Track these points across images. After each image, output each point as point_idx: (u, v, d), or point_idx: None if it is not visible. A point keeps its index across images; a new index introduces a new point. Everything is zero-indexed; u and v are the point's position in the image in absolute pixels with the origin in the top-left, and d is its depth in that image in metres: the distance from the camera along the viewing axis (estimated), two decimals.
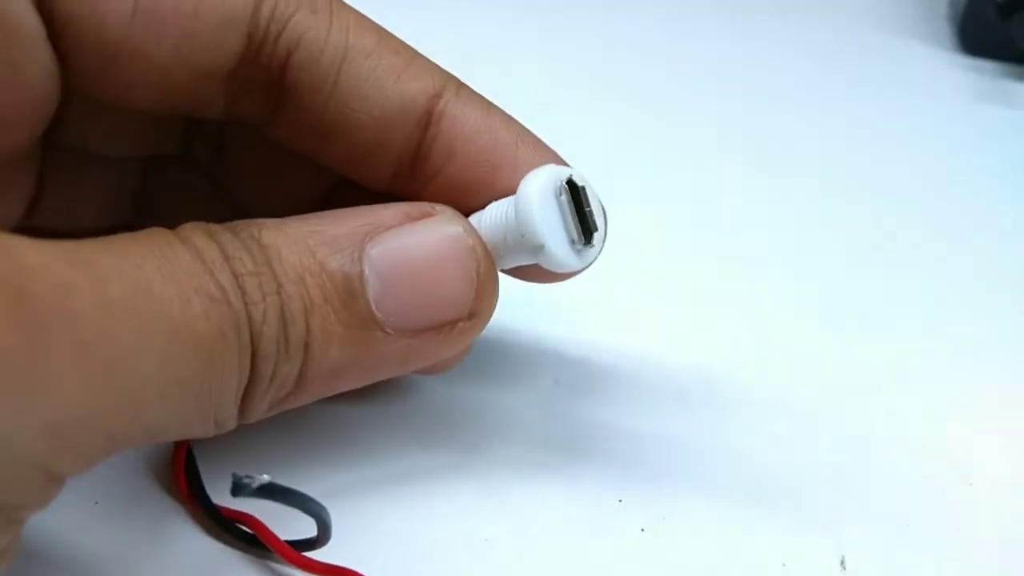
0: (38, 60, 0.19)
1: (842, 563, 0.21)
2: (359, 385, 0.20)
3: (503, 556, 0.21)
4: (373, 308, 0.19)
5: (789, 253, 0.32)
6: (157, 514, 0.22)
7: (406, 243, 0.19)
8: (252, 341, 0.17)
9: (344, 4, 0.21)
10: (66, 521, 0.22)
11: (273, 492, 0.19)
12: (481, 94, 0.22)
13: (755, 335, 0.28)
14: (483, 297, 0.20)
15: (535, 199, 0.19)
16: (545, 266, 0.20)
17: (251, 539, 0.21)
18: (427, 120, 0.21)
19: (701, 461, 0.24)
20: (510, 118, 0.22)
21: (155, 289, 0.16)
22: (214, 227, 0.18)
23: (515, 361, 0.27)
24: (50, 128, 0.21)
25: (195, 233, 0.18)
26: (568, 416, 0.25)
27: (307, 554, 0.20)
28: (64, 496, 0.22)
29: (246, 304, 0.17)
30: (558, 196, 0.20)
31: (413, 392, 0.26)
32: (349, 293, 0.19)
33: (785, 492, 0.23)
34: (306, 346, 0.18)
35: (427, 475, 0.23)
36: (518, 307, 0.29)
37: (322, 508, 0.19)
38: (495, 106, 0.22)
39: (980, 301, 0.30)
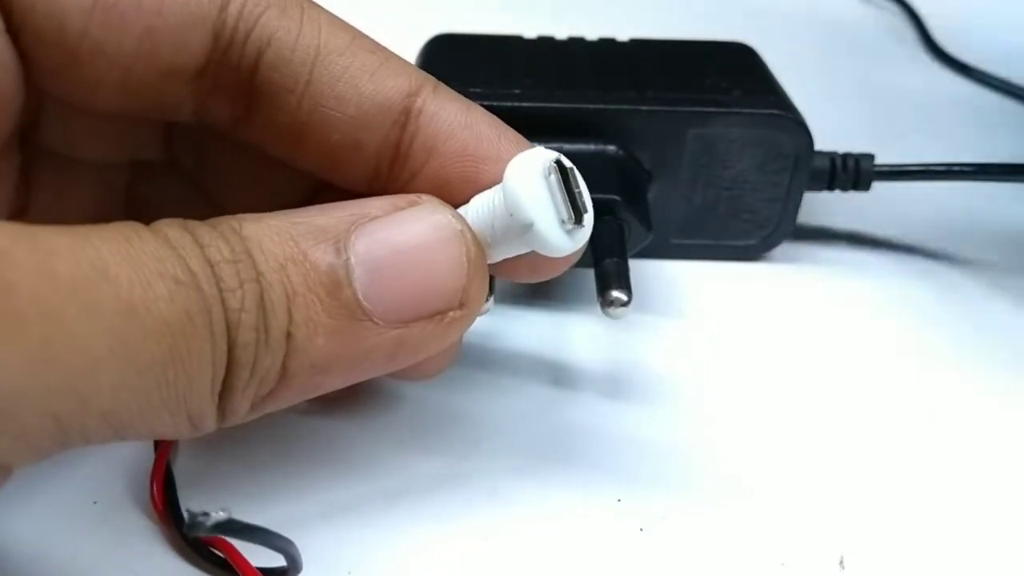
0: None
1: (841, 563, 0.21)
2: (345, 383, 0.20)
3: (502, 556, 0.21)
4: (360, 297, 0.18)
5: None
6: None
7: (393, 231, 0.19)
8: (228, 329, 0.17)
9: (315, 4, 0.20)
10: (66, 521, 0.21)
11: (232, 529, 0.18)
12: (453, 91, 0.21)
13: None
14: (473, 286, 0.20)
15: (523, 176, 0.19)
16: (537, 249, 0.19)
17: (224, 563, 0.20)
18: (405, 118, 0.20)
19: (701, 461, 0.24)
20: (490, 114, 0.21)
21: (111, 270, 0.15)
22: (191, 221, 0.18)
23: (514, 361, 0.27)
24: (29, 131, 0.21)
25: (168, 224, 0.17)
26: (567, 416, 0.25)
27: None
28: (64, 496, 0.22)
29: (221, 290, 0.17)
30: (547, 176, 0.19)
31: (412, 394, 0.26)
32: (334, 282, 0.18)
33: (785, 492, 0.23)
34: (288, 336, 0.18)
35: (427, 475, 0.23)
36: (515, 307, 0.29)
37: (287, 542, 0.19)
38: (473, 103, 0.21)
39: None
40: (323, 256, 0.18)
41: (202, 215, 0.18)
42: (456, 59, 0.31)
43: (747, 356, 0.28)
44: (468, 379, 0.26)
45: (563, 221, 0.19)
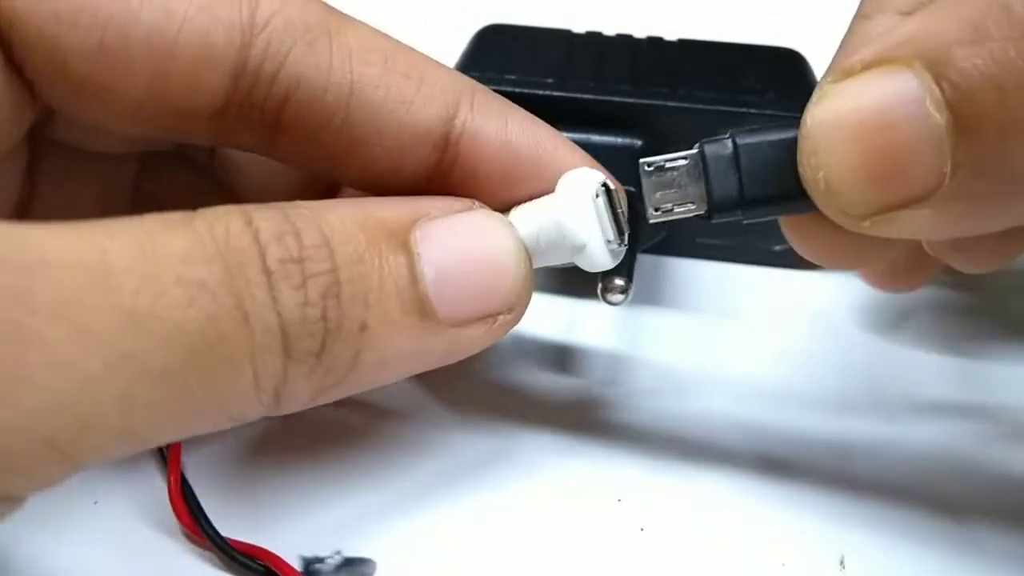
0: None
1: (842, 563, 0.21)
2: (396, 378, 0.20)
3: (503, 555, 0.21)
4: (430, 295, 0.18)
5: None
6: (158, 516, 0.22)
7: (456, 233, 0.19)
8: (282, 327, 0.16)
9: (343, 22, 0.20)
10: (66, 521, 0.22)
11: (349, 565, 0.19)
12: (496, 96, 0.21)
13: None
14: (524, 291, 0.20)
15: (577, 203, 0.20)
16: (581, 266, 0.21)
17: (263, 573, 0.21)
18: (444, 143, 0.20)
19: (701, 461, 0.24)
20: (528, 118, 0.21)
21: (114, 278, 0.15)
22: (260, 211, 0.17)
23: (514, 361, 0.27)
24: (37, 126, 0.20)
25: (215, 214, 0.16)
26: (568, 415, 0.25)
27: None
28: (64, 496, 0.21)
29: (272, 286, 0.16)
30: (595, 199, 0.20)
31: (410, 395, 0.26)
32: (410, 277, 0.18)
33: (785, 492, 0.23)
34: (363, 327, 0.18)
35: (426, 477, 0.23)
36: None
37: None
38: (512, 108, 0.21)
39: None
40: (396, 250, 0.18)
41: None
42: (501, 48, 0.31)
43: (751, 357, 0.27)
44: (462, 382, 0.26)
45: (608, 241, 0.20)
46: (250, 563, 0.21)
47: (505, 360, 0.27)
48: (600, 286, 0.24)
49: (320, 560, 0.19)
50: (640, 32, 0.33)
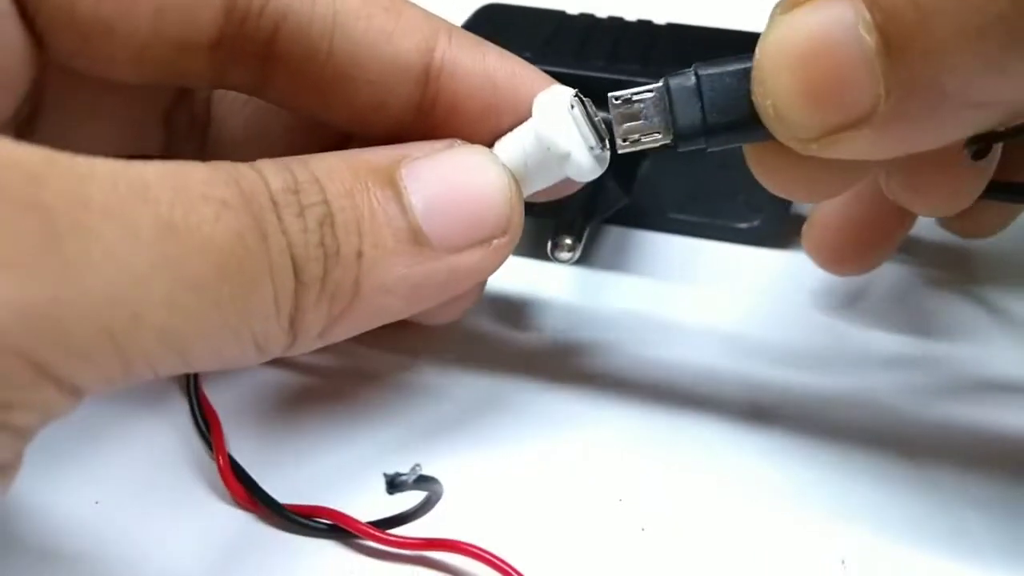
0: (9, 38, 0.19)
1: (842, 563, 0.21)
2: (405, 311, 0.21)
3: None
4: (420, 223, 0.20)
5: None
6: (158, 513, 0.22)
7: (442, 165, 0.20)
8: (291, 248, 0.18)
9: None
10: (66, 521, 0.22)
11: (424, 481, 0.20)
12: (470, 33, 0.22)
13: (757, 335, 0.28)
14: (515, 214, 0.21)
15: (553, 113, 0.21)
16: (570, 175, 0.21)
17: (328, 530, 0.21)
18: (425, 78, 0.21)
19: (701, 461, 0.24)
20: (502, 52, 0.23)
21: (152, 192, 0.16)
22: (255, 162, 0.18)
23: (514, 360, 0.27)
24: (28, 109, 0.21)
25: (226, 162, 0.18)
26: (568, 415, 0.25)
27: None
28: (64, 496, 0.22)
29: (279, 213, 0.18)
30: (571, 109, 0.21)
31: (410, 393, 0.26)
32: (399, 208, 0.19)
33: (785, 492, 0.23)
34: (360, 255, 0.19)
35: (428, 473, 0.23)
36: (519, 309, 0.29)
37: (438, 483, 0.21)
38: (485, 43, 0.23)
39: None
40: (383, 185, 0.19)
41: None
42: (494, 25, 0.33)
43: (749, 356, 0.28)
44: (458, 382, 0.26)
45: (591, 147, 0.21)
46: (313, 523, 0.21)
47: (504, 359, 0.27)
48: (550, 244, 0.26)
49: (401, 475, 0.20)
50: (633, 15, 0.33)
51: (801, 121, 0.18)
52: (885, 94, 0.16)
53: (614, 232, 0.33)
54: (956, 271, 0.31)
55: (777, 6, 0.18)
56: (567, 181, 0.22)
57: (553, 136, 0.21)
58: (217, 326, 0.17)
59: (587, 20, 0.33)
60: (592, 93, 0.28)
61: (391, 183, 0.20)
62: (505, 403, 0.26)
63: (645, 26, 0.33)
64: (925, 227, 0.31)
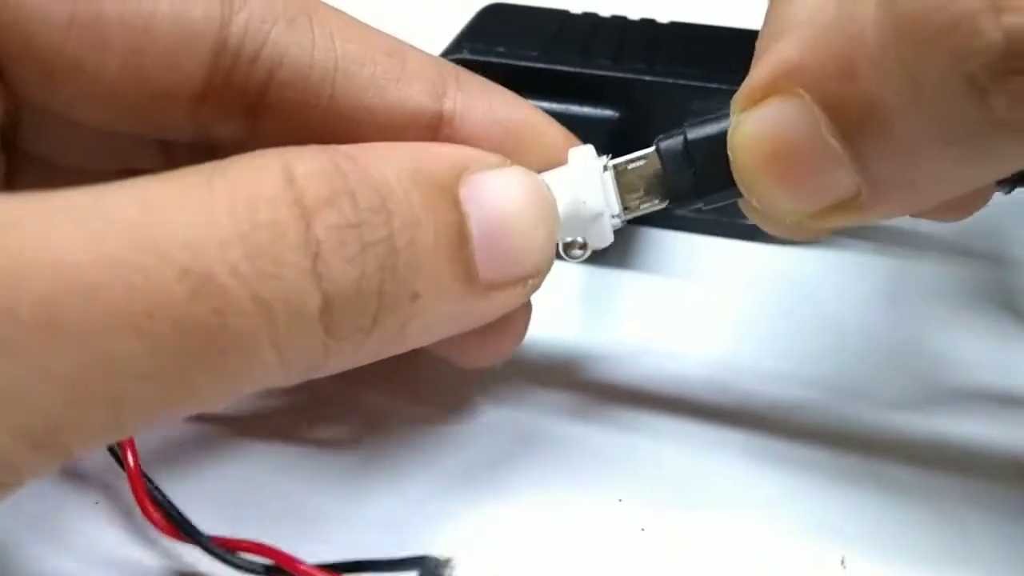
0: None
1: (842, 563, 0.21)
2: (430, 341, 0.19)
3: (503, 555, 0.21)
4: (476, 259, 0.17)
5: None
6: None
7: (500, 187, 0.18)
8: (324, 308, 0.15)
9: (318, 5, 0.19)
10: (66, 521, 0.21)
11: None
12: (476, 75, 0.21)
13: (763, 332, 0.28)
14: (552, 253, 0.19)
15: (592, 170, 0.20)
16: (588, 240, 0.21)
17: (263, 569, 0.18)
18: (438, 122, 0.20)
19: (701, 460, 0.24)
20: (509, 95, 0.22)
21: (69, 257, 0.13)
22: (292, 155, 0.15)
23: (514, 359, 0.26)
24: (9, 135, 0.19)
25: (246, 169, 0.15)
26: (568, 415, 0.25)
27: None
28: (64, 496, 0.22)
29: (317, 261, 0.15)
30: (603, 171, 0.21)
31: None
32: (460, 239, 0.17)
33: (785, 492, 0.23)
34: (414, 296, 0.16)
35: (424, 478, 0.23)
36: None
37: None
38: (492, 86, 0.21)
39: None
40: (448, 208, 0.17)
41: None
42: (498, 24, 0.33)
43: (755, 354, 0.27)
44: (456, 382, 0.26)
45: (613, 215, 0.21)
46: (245, 560, 0.18)
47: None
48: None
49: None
50: (636, 14, 0.33)
51: (789, 210, 0.17)
52: (863, 184, 0.16)
53: (621, 229, 0.32)
54: (955, 269, 0.31)
55: (734, 103, 0.18)
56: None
57: (594, 191, 0.20)
58: (172, 398, 0.15)
59: (591, 19, 0.33)
60: (600, 91, 0.29)
61: (455, 206, 0.17)
62: (502, 399, 0.26)
63: (649, 24, 0.33)
64: (921, 222, 0.31)
